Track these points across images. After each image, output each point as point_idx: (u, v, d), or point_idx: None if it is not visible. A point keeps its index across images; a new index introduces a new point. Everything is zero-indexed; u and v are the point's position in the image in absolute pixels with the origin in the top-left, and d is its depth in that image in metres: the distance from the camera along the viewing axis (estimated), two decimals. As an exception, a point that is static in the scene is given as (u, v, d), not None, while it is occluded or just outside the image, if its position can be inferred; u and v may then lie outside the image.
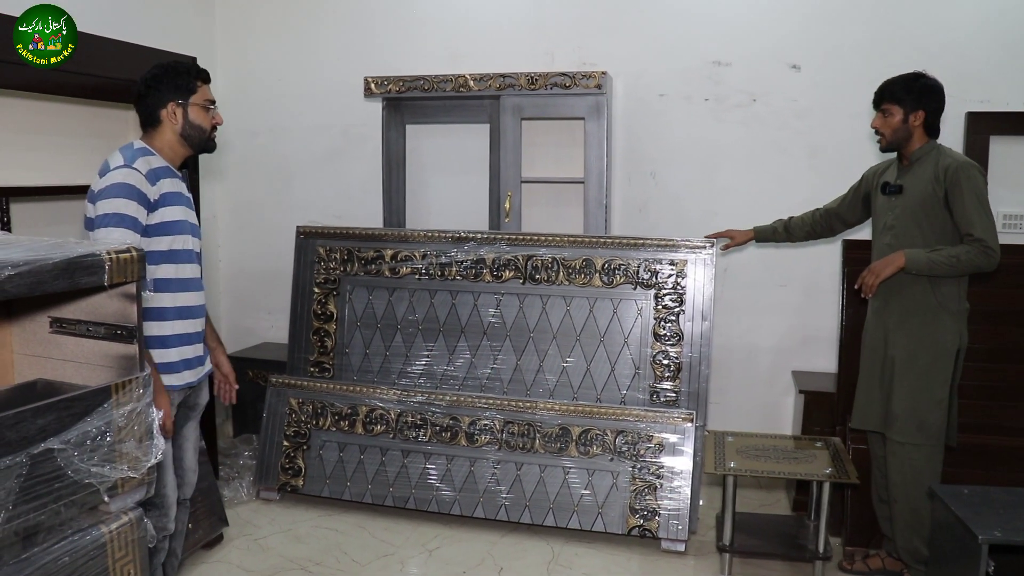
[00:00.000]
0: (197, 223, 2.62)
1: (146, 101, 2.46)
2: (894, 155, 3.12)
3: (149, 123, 2.47)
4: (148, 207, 2.34)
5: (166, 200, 2.41)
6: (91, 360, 1.58)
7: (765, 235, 3.52)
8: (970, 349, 3.04)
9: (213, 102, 2.54)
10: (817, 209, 3.42)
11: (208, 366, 2.69)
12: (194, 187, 3.66)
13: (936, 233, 2.94)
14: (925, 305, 2.95)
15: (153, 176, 2.37)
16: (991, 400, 3.47)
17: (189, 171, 3.63)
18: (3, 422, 1.25)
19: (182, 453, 2.64)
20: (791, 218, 3.48)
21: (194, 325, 2.57)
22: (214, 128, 2.55)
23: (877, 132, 3.05)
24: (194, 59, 2.58)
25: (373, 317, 3.98)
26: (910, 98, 2.96)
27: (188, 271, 2.52)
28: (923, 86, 2.97)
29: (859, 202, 3.30)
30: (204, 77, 2.53)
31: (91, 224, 2.32)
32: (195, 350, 2.58)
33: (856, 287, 3.02)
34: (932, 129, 3.01)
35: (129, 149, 2.40)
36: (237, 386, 2.90)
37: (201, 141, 2.52)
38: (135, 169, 2.33)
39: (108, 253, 1.44)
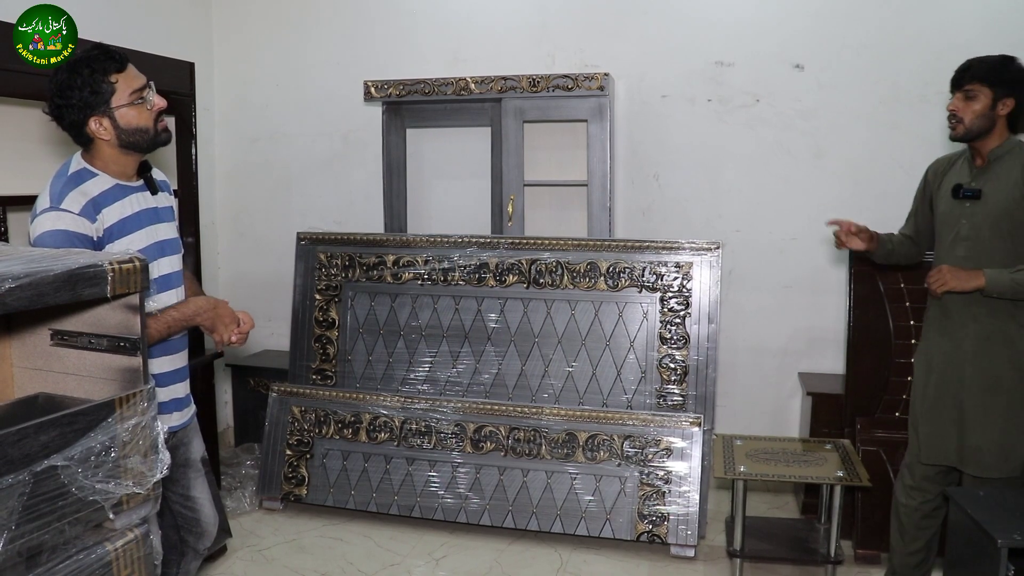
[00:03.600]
0: (174, 233, 2.31)
1: (63, 122, 2.07)
2: (955, 151, 2.81)
3: (80, 142, 2.12)
4: (92, 246, 2.02)
5: (117, 231, 2.09)
6: (93, 373, 1.54)
7: (883, 243, 2.94)
8: None
9: (142, 89, 2.10)
10: (902, 232, 3.02)
11: (192, 410, 2.44)
12: (192, 193, 3.62)
13: (1020, 245, 2.60)
14: (1004, 328, 2.65)
15: (92, 209, 2.04)
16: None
17: (188, 177, 3.61)
18: (5, 439, 1.21)
19: (198, 513, 2.43)
20: (895, 235, 3.01)
21: (173, 361, 2.31)
22: (159, 118, 2.13)
23: (952, 117, 2.66)
24: (101, 50, 2.08)
25: (375, 323, 3.94)
26: (1003, 82, 2.58)
27: (165, 300, 2.25)
28: (1018, 71, 2.60)
29: (930, 210, 2.88)
30: (117, 66, 2.06)
31: None
32: (173, 391, 2.31)
33: (926, 284, 2.71)
34: (1015, 124, 2.65)
35: (61, 178, 2.06)
36: (249, 327, 2.32)
37: (148, 141, 2.12)
38: (63, 210, 2.00)
39: (110, 263, 1.40)
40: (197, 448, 2.46)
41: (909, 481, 2.92)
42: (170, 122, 2.24)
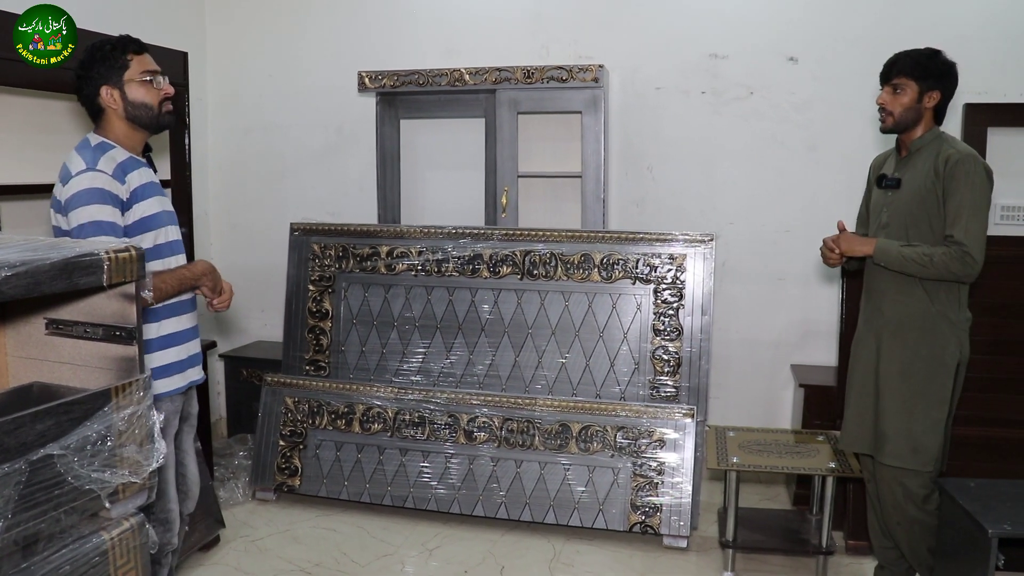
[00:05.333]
0: (172, 209, 2.50)
1: (83, 92, 2.30)
2: (892, 144, 2.87)
3: (94, 114, 2.32)
4: (121, 207, 2.21)
5: (139, 195, 2.28)
6: (89, 362, 1.54)
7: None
8: (972, 341, 2.79)
9: (154, 73, 2.32)
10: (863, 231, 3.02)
11: (202, 373, 2.59)
12: (185, 184, 3.61)
13: (935, 236, 2.63)
14: (922, 314, 2.66)
15: (120, 172, 2.24)
16: (994, 392, 3.45)
17: (181, 168, 3.60)
18: (1, 428, 1.21)
19: (184, 468, 2.57)
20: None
21: (189, 320, 2.49)
22: (164, 101, 2.34)
23: (882, 110, 2.71)
24: (124, 36, 2.35)
25: (369, 314, 3.94)
26: (929, 75, 2.65)
27: (175, 264, 2.43)
28: (943, 64, 2.67)
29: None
30: (136, 48, 2.31)
31: (57, 233, 2.23)
32: (189, 348, 2.48)
33: (826, 246, 2.80)
34: (940, 115, 2.73)
35: (87, 148, 2.25)
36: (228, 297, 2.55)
37: (151, 118, 2.32)
38: (99, 171, 2.19)
39: (107, 252, 1.40)
40: (195, 405, 2.64)
41: (864, 473, 2.98)
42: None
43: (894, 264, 2.63)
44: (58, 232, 2.23)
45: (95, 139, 2.29)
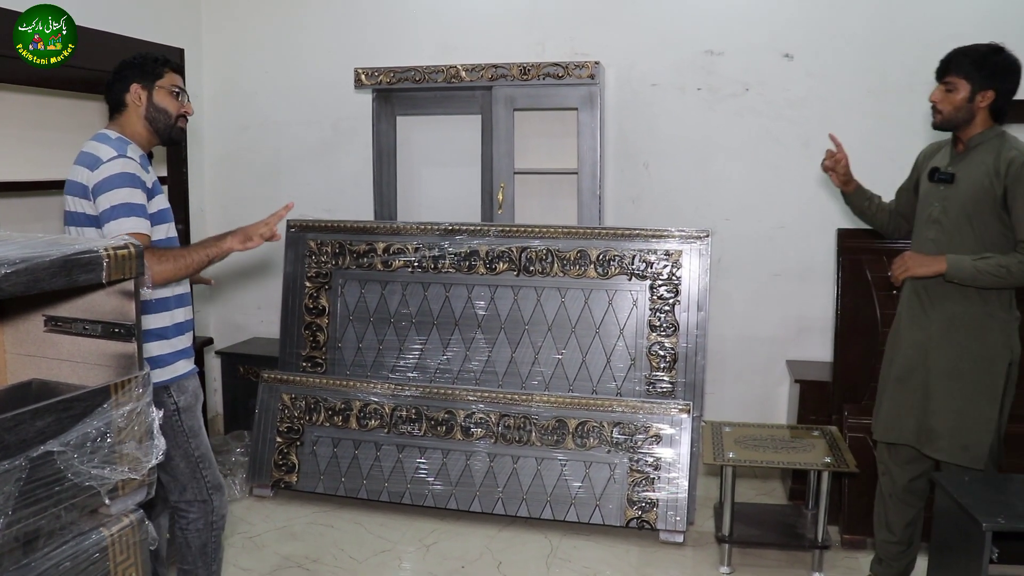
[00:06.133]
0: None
1: (113, 87, 2.44)
2: (947, 135, 2.80)
3: (116, 109, 2.45)
4: (148, 195, 2.33)
5: (157, 188, 2.40)
6: (87, 359, 1.54)
7: (860, 195, 3.01)
8: None
9: (182, 89, 2.51)
10: (890, 203, 3.06)
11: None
12: (181, 180, 3.61)
13: (989, 234, 2.61)
14: (972, 313, 2.65)
15: (144, 163, 2.37)
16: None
17: (177, 164, 3.60)
18: (1, 425, 1.21)
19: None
20: (879, 198, 3.05)
21: (189, 312, 2.60)
22: (181, 116, 2.51)
23: (934, 107, 2.68)
24: (165, 55, 2.58)
25: (366, 311, 3.94)
26: (982, 75, 2.58)
27: None
28: (1000, 63, 2.59)
29: (914, 193, 2.90)
30: (173, 66, 2.51)
31: (76, 219, 2.29)
32: (190, 338, 2.59)
33: (889, 273, 2.78)
34: (999, 113, 2.65)
35: (109, 140, 2.35)
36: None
37: (166, 127, 2.47)
38: (130, 158, 2.30)
39: (106, 250, 1.40)
40: None
41: (879, 466, 2.98)
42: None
43: (967, 279, 2.57)
44: (76, 218, 2.30)
45: (113, 133, 2.39)
